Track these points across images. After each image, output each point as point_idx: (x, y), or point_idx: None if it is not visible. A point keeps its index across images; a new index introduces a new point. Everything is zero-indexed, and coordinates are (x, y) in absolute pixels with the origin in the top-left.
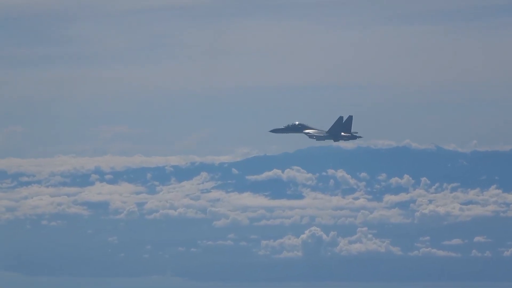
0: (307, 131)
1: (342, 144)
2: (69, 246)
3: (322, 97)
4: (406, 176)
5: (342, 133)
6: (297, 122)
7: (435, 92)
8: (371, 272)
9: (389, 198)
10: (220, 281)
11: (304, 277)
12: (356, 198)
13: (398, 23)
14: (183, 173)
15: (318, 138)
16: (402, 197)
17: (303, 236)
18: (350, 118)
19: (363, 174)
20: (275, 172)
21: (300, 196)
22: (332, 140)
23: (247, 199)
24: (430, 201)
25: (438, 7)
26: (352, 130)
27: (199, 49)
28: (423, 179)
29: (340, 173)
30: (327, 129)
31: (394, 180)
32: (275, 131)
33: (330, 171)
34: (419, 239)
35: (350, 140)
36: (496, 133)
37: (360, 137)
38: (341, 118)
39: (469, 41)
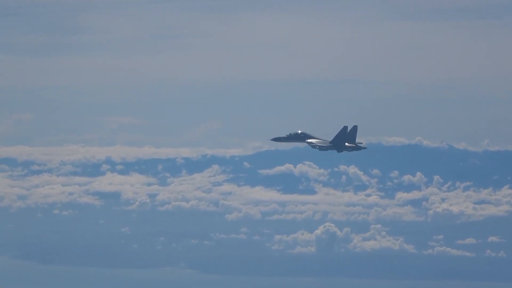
0: (309, 140)
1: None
2: (81, 236)
3: (332, 91)
4: (418, 174)
5: (346, 144)
6: (299, 131)
7: (445, 89)
8: (385, 269)
9: (401, 195)
10: (234, 275)
11: (318, 272)
12: (368, 195)
13: (409, 19)
14: (194, 166)
15: (321, 148)
16: (415, 195)
17: (317, 231)
18: (354, 128)
19: (375, 171)
20: (287, 167)
21: (312, 191)
22: (336, 151)
23: (259, 193)
24: (443, 200)
25: (450, 2)
26: (356, 141)
27: (209, 41)
28: (436, 177)
29: (352, 169)
30: (330, 139)
31: (406, 178)
32: (276, 139)
33: (342, 167)
34: (433, 238)
35: (354, 151)
36: (507, 132)
37: (364, 148)
38: (345, 128)
39: (482, 37)
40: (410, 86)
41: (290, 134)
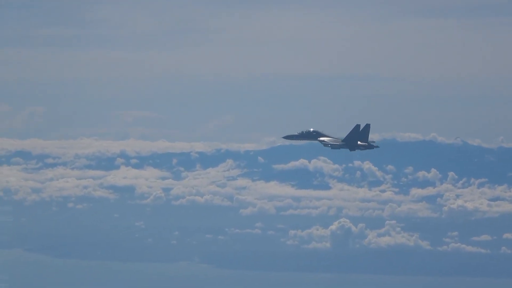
0: (322, 138)
1: None
2: (96, 229)
3: (346, 87)
4: (433, 170)
5: (359, 142)
6: (311, 129)
7: (460, 86)
8: (400, 265)
9: (416, 191)
10: (248, 270)
11: (333, 268)
12: (383, 191)
13: (425, 15)
14: (209, 160)
15: (333, 146)
16: (429, 191)
17: (332, 227)
18: (367, 126)
19: (390, 167)
20: (302, 162)
21: (326, 187)
22: (348, 149)
23: (274, 188)
24: (458, 196)
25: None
26: (369, 139)
27: (223, 36)
28: (450, 173)
29: (367, 165)
30: (343, 136)
31: (421, 174)
32: (288, 137)
33: (357, 163)
34: (448, 234)
35: (367, 150)
36: None
37: (377, 146)
38: (358, 126)
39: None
40: (425, 82)
41: (302, 132)
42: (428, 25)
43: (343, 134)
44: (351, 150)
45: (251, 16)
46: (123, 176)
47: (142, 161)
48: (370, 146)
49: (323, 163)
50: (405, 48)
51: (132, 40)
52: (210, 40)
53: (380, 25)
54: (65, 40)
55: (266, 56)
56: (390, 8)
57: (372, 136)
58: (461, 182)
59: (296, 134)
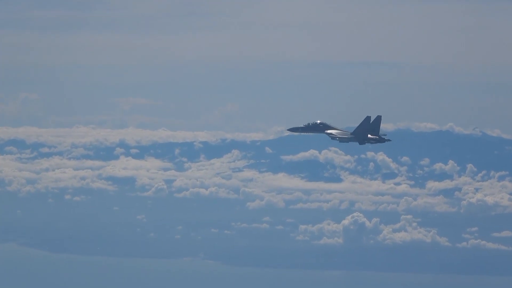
0: (329, 131)
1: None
2: (95, 223)
3: (358, 74)
4: (450, 162)
5: (369, 135)
6: (318, 121)
7: (478, 74)
8: (417, 262)
9: (432, 184)
10: (256, 267)
11: (346, 265)
12: (398, 184)
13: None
14: (213, 150)
15: (342, 140)
16: (447, 184)
17: (345, 222)
18: (378, 118)
19: (405, 158)
20: (312, 153)
21: (338, 179)
22: (357, 143)
23: (282, 180)
24: (477, 190)
25: None
26: (380, 132)
27: (228, 20)
28: (469, 165)
29: (380, 156)
30: (352, 129)
31: (437, 166)
32: (293, 129)
33: (370, 154)
34: (467, 230)
35: (378, 144)
36: None
37: (388, 140)
38: (368, 118)
39: None
40: (441, 69)
41: (308, 124)
42: (444, 10)
43: (353, 124)
44: (360, 143)
45: (254, 1)
46: (122, 166)
47: (142, 151)
48: (381, 139)
49: (334, 154)
50: (420, 33)
51: (131, 23)
52: (213, 25)
53: (393, 9)
54: (60, 23)
55: (271, 42)
56: None
57: (386, 126)
58: (480, 175)
59: (302, 126)
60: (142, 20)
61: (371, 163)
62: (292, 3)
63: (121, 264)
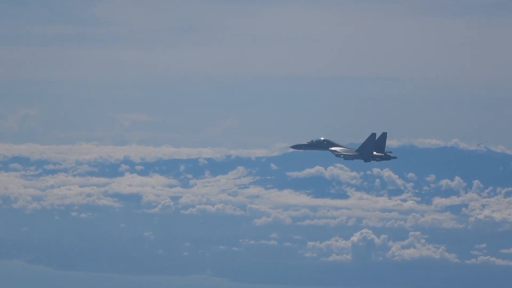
0: (333, 148)
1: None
2: (102, 240)
3: (360, 89)
4: (457, 178)
5: (374, 153)
6: (322, 138)
7: (480, 89)
8: (426, 279)
9: (439, 201)
10: (264, 283)
11: (354, 282)
12: (404, 200)
13: (440, 15)
14: (218, 167)
15: (346, 157)
16: (453, 200)
17: (353, 238)
18: (384, 135)
19: (411, 175)
20: (317, 169)
21: (344, 196)
22: (362, 160)
23: (288, 196)
24: (483, 206)
25: None
26: (386, 149)
27: (227, 35)
28: (475, 182)
29: (386, 172)
30: (357, 146)
31: (444, 182)
32: (297, 147)
33: (376, 170)
34: (475, 246)
35: (383, 161)
36: None
37: (394, 157)
38: (373, 135)
39: None
40: (444, 85)
41: (312, 141)
42: (448, 24)
43: (357, 140)
44: (365, 161)
45: (256, 15)
46: (128, 183)
47: (147, 168)
48: (386, 157)
49: (340, 171)
50: (425, 48)
51: (131, 39)
52: (213, 40)
53: (395, 25)
54: (59, 39)
55: (270, 57)
56: (404, 8)
57: (390, 142)
58: (486, 191)
59: (306, 143)
60: (141, 35)
61: (377, 180)
62: (294, 18)
63: (129, 281)
